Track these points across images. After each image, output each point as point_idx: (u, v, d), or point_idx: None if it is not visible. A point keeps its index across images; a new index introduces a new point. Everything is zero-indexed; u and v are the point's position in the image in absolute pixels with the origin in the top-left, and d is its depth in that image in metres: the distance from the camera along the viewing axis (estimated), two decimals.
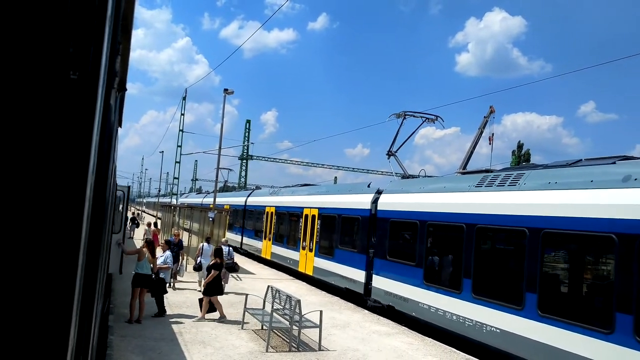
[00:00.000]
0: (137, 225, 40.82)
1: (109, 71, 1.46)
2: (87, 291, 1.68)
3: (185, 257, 19.99)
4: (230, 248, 18.09)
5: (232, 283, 19.41)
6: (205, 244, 17.95)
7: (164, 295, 13.56)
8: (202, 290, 13.45)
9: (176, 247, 17.89)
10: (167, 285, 14.50)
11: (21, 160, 1.23)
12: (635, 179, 8.53)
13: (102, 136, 1.48)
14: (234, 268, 17.54)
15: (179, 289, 17.43)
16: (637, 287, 8.07)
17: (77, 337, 1.54)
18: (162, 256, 13.88)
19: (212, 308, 13.18)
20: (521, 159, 60.87)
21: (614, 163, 9.68)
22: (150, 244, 13.33)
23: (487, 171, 13.71)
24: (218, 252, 13.89)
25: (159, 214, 55.71)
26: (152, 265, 12.95)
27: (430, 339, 12.68)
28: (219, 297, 13.40)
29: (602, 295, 9.04)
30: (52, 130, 1.27)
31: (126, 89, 2.53)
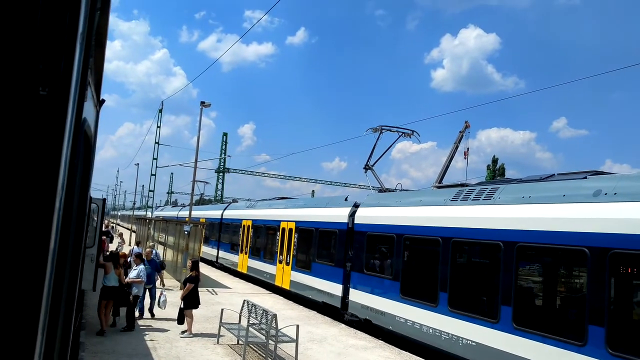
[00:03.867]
0: (112, 239, 40.01)
1: (80, 86, 1.44)
2: (56, 308, 1.64)
3: (161, 282, 15.81)
4: (157, 251, 21.45)
5: (207, 297, 19.19)
6: (135, 247, 20.97)
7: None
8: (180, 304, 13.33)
9: (149, 267, 14.76)
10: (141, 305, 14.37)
11: None
12: (606, 194, 8.71)
13: (73, 151, 1.46)
14: (163, 266, 19.89)
15: (157, 318, 14.47)
16: (609, 299, 8.22)
17: (44, 355, 1.50)
18: (136, 269, 13.69)
19: (181, 320, 13.09)
20: (496, 173, 61.72)
21: (585, 178, 9.89)
22: (114, 257, 13.40)
23: (462, 185, 13.86)
24: (195, 265, 13.75)
25: (134, 227, 54.92)
26: (119, 276, 12.95)
27: (407, 353, 12.68)
28: (194, 311, 13.26)
29: (575, 308, 9.17)
30: (19, 146, 1.25)
31: (103, 101, 2.50)
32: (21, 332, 1.29)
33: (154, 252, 19.22)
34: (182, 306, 13.12)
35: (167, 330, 13.12)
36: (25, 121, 1.26)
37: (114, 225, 77.31)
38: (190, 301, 12.97)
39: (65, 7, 1.33)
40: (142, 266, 13.88)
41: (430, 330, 12.08)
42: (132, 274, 13.63)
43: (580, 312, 8.79)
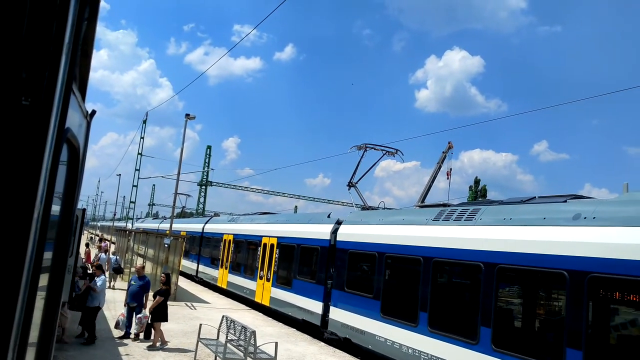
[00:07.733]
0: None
1: (64, 96, 1.43)
2: (31, 320, 1.60)
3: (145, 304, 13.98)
4: (118, 257, 24.84)
5: (186, 312, 18.93)
6: (102, 254, 22.26)
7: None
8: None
9: (139, 288, 13.82)
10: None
11: None
12: (585, 218, 8.83)
13: (55, 162, 1.44)
14: (121, 270, 21.89)
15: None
16: (587, 323, 8.28)
17: None
18: (100, 280, 13.41)
19: (149, 333, 13.10)
20: (478, 194, 62.21)
21: (566, 201, 10.02)
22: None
23: (444, 205, 13.94)
24: (167, 279, 13.68)
25: (114, 239, 54.19)
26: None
27: None
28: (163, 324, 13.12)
29: (553, 331, 9.22)
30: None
31: (94, 112, 2.48)
32: None
33: (114, 258, 18.94)
34: (149, 320, 12.99)
35: (143, 345, 12.89)
36: (5, 130, 1.24)
37: (96, 236, 76.15)
38: (159, 314, 12.84)
39: (52, 17, 1.32)
40: (103, 276, 13.66)
41: (410, 350, 12.03)
42: (99, 283, 13.40)
43: (558, 334, 8.84)
